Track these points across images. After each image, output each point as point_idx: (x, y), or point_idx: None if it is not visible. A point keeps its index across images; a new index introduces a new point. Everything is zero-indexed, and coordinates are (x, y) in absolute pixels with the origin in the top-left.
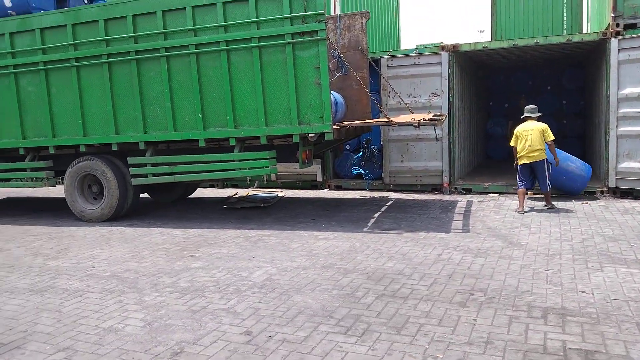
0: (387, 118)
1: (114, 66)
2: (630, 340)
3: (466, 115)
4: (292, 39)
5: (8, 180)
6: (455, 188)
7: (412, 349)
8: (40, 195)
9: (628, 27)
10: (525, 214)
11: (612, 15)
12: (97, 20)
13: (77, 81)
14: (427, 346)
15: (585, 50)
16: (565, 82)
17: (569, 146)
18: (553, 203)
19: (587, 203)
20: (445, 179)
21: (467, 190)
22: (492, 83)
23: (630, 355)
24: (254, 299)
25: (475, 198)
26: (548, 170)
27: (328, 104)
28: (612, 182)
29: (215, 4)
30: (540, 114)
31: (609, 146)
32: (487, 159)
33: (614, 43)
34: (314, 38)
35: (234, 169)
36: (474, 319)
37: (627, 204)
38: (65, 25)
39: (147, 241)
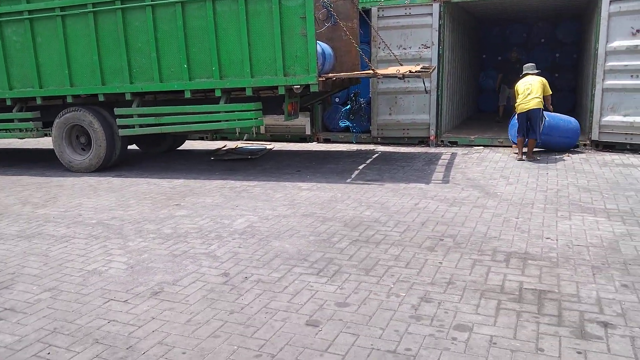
0: (373, 70)
1: (99, 16)
2: (582, 281)
3: (457, 67)
4: None
5: None
6: (442, 141)
7: (378, 288)
8: (30, 147)
9: None
10: (522, 161)
11: None
12: None
13: (63, 31)
14: (392, 285)
15: (580, 2)
16: (561, 36)
17: (562, 99)
18: (536, 157)
19: (568, 156)
20: (432, 132)
21: (453, 143)
22: (485, 35)
23: (580, 294)
24: (234, 244)
25: (460, 151)
26: (542, 121)
27: (314, 55)
28: (595, 136)
29: None
30: (538, 70)
31: (594, 99)
32: (478, 112)
33: None
34: None
35: (219, 120)
36: (439, 262)
37: (607, 156)
38: None
39: (133, 191)
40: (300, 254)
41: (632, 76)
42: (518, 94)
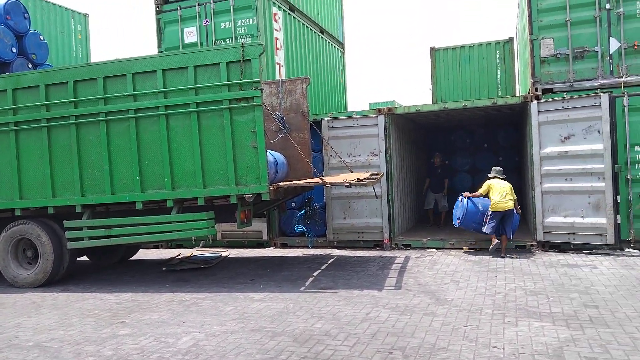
0: (320, 178)
1: (53, 130)
2: None
3: (406, 172)
4: (230, 104)
5: None
6: (396, 244)
7: None
8: None
9: (546, 91)
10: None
11: (531, 80)
12: (38, 85)
13: (16, 144)
14: None
15: (513, 111)
16: (501, 140)
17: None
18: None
19: (515, 257)
20: (386, 235)
21: (407, 246)
22: (432, 141)
23: None
24: None
25: (413, 254)
26: (514, 220)
27: (264, 165)
28: (540, 236)
29: (155, 71)
30: (504, 176)
31: (535, 201)
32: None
33: (534, 106)
34: (250, 104)
35: (171, 231)
36: None
37: (554, 257)
38: (5, 90)
39: (78, 307)
40: None
41: (566, 179)
42: (493, 193)
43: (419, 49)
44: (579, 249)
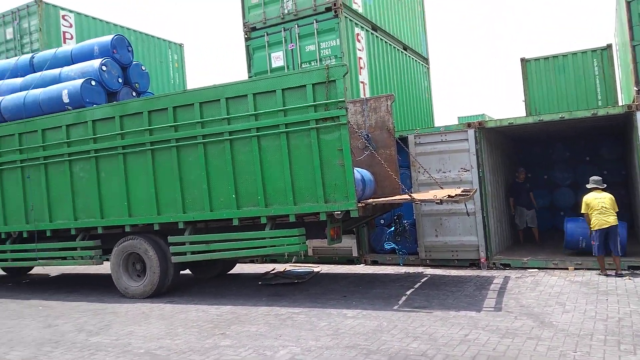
0: (409, 195)
1: (157, 153)
2: None
3: (501, 188)
4: (316, 124)
5: (63, 258)
6: (494, 263)
7: None
8: (91, 272)
9: None
10: (609, 277)
11: (635, 88)
12: (142, 112)
13: (124, 167)
14: None
15: (617, 122)
16: (605, 153)
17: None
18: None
19: (629, 279)
20: (482, 254)
21: (506, 266)
22: (527, 155)
23: None
24: None
25: (513, 274)
26: (620, 235)
27: (352, 183)
28: None
29: (246, 95)
30: (604, 185)
31: None
32: (529, 231)
33: (639, 115)
34: (336, 123)
35: (265, 246)
36: None
37: None
38: (113, 117)
39: (183, 318)
40: None
41: None
42: (588, 206)
43: (509, 59)
44: None
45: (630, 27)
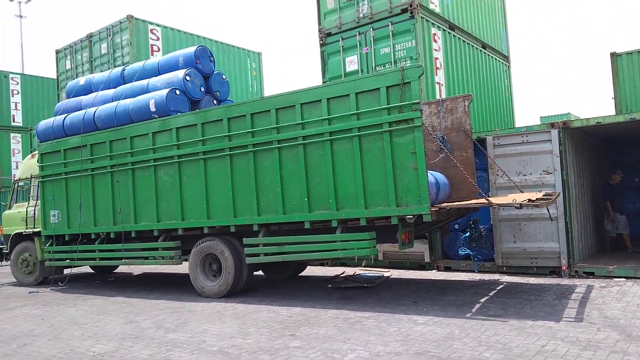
0: (487, 199)
1: (234, 158)
2: None
3: (586, 192)
4: (390, 127)
5: (146, 258)
6: (576, 271)
7: None
8: (170, 272)
9: None
10: None
11: None
12: (222, 119)
13: (204, 171)
14: None
15: None
16: None
17: None
18: None
19: None
20: (564, 262)
21: (590, 274)
22: (618, 155)
23: None
24: None
25: (597, 283)
26: None
27: (425, 187)
28: None
29: (320, 100)
30: None
31: None
32: (618, 237)
33: None
34: (410, 125)
35: (336, 250)
36: None
37: None
38: (195, 124)
39: (254, 318)
40: None
41: None
42: None
43: (597, 54)
44: None
45: None
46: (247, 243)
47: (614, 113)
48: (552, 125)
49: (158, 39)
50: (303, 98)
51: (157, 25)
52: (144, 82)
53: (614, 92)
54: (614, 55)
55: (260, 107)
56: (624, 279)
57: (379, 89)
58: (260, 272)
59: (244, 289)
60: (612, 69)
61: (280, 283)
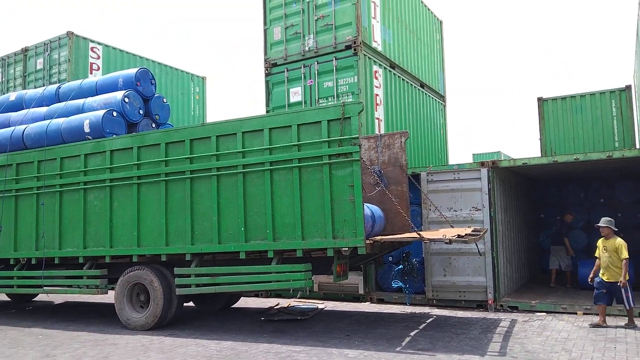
0: (418, 234)
1: (170, 184)
2: None
3: (512, 229)
4: (329, 159)
5: (69, 286)
6: (501, 305)
7: None
8: (94, 301)
9: None
10: (599, 328)
11: None
12: (159, 143)
13: (137, 197)
14: None
15: (634, 164)
16: (621, 196)
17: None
18: (635, 322)
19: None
20: (490, 296)
21: (514, 308)
22: (542, 195)
23: None
24: None
25: (520, 317)
26: (624, 289)
27: (361, 219)
28: None
29: (262, 130)
30: (616, 229)
31: None
32: (541, 273)
33: None
34: (349, 159)
35: (271, 281)
36: None
37: None
38: (131, 148)
39: (182, 352)
40: None
41: None
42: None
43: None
44: None
45: None
46: (179, 273)
47: (540, 154)
48: (482, 164)
49: (99, 57)
50: (245, 126)
51: (99, 43)
52: (79, 101)
53: (540, 135)
54: (540, 100)
55: (201, 134)
56: (544, 313)
57: (320, 122)
58: (191, 304)
59: (173, 321)
60: (538, 112)
61: (211, 315)
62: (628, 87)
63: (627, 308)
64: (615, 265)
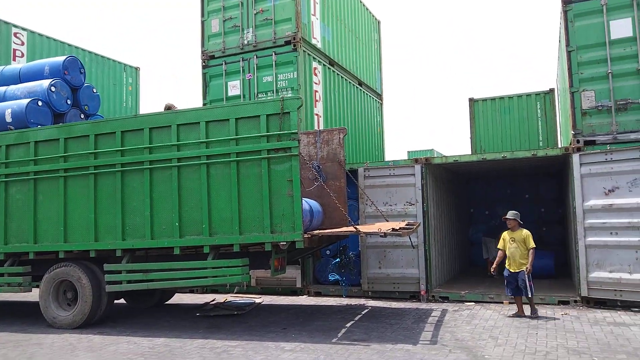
0: (355, 227)
1: (100, 177)
2: None
3: (444, 222)
4: (268, 154)
5: None
6: (433, 296)
7: None
8: (17, 299)
9: (589, 143)
10: (516, 317)
11: (572, 132)
12: (88, 135)
13: (64, 190)
14: None
15: (555, 162)
16: (543, 192)
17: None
18: (536, 308)
19: (566, 313)
20: (422, 287)
21: (445, 299)
22: (471, 191)
23: None
24: None
25: (451, 307)
26: (528, 277)
27: (299, 214)
28: (584, 292)
29: (198, 122)
30: (521, 222)
31: (579, 256)
32: (471, 266)
33: (575, 158)
34: (287, 154)
35: (207, 277)
36: None
37: (599, 314)
38: (58, 139)
39: (112, 351)
40: None
41: (611, 233)
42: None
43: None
44: (627, 306)
45: (570, 75)
46: (108, 269)
47: (470, 152)
48: (416, 160)
49: (23, 44)
50: (180, 119)
51: (23, 29)
52: (1, 89)
53: (470, 133)
54: (471, 101)
55: (133, 125)
56: (473, 303)
57: (259, 116)
58: (122, 301)
59: (103, 318)
60: (469, 112)
61: (143, 312)
62: (551, 90)
63: (529, 296)
64: (522, 256)
